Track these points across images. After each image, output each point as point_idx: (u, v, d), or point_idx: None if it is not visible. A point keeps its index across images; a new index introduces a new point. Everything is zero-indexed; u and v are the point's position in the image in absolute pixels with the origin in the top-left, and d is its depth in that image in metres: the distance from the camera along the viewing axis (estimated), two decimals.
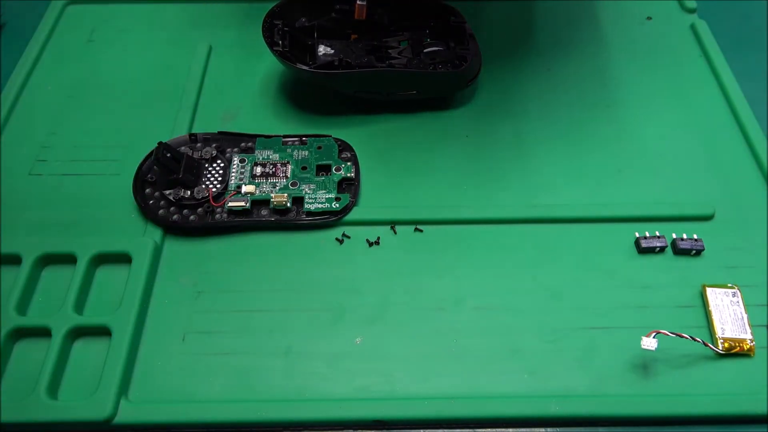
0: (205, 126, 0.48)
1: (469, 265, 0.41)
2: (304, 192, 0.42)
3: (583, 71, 0.52)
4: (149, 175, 0.43)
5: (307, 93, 0.50)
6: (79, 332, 0.37)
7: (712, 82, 0.51)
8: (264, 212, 0.42)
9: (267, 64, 0.52)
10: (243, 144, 0.45)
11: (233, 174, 0.43)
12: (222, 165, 0.44)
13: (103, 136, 0.47)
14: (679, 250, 0.41)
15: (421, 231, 0.42)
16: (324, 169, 0.44)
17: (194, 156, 0.44)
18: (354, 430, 0.35)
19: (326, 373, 0.36)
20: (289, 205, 0.42)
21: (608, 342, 0.37)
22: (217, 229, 0.42)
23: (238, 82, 0.51)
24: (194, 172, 0.43)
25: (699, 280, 0.40)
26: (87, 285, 0.39)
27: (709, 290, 0.39)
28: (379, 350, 0.37)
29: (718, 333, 0.37)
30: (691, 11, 0.57)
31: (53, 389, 0.35)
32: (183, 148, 0.44)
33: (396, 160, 0.46)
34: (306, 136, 0.46)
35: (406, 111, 0.49)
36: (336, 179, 0.43)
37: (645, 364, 0.37)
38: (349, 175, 0.43)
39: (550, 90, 0.51)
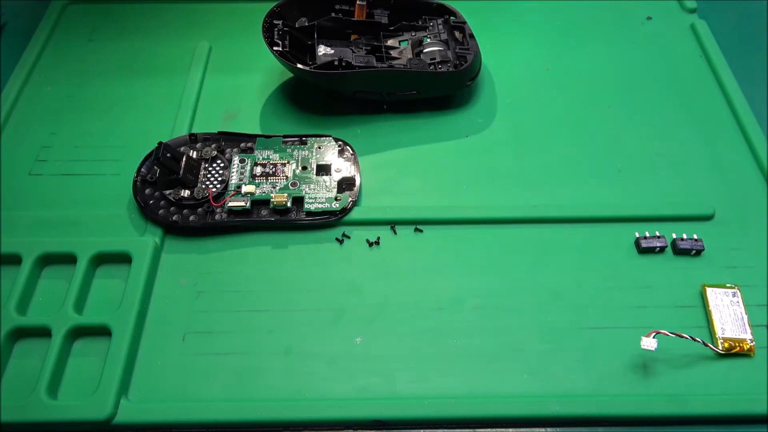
0: (205, 126, 0.48)
1: (469, 265, 0.41)
2: (304, 192, 0.42)
3: (583, 71, 0.52)
4: (149, 175, 0.43)
5: (307, 93, 0.50)
6: (79, 332, 0.37)
7: (712, 82, 0.51)
8: (264, 212, 0.42)
9: (267, 64, 0.52)
10: (243, 144, 0.45)
11: (233, 174, 0.43)
12: (222, 165, 0.44)
13: (103, 136, 0.47)
14: (679, 250, 0.41)
15: (421, 231, 0.42)
16: (324, 169, 0.44)
17: (194, 156, 0.44)
18: (354, 430, 0.35)
19: (326, 373, 0.36)
20: (289, 205, 0.42)
21: (608, 342, 0.37)
22: (217, 229, 0.42)
23: (238, 82, 0.51)
24: (194, 172, 0.43)
25: (699, 280, 0.40)
26: (87, 285, 0.39)
27: (709, 290, 0.39)
28: (379, 350, 0.37)
29: (718, 333, 0.37)
30: (691, 11, 0.57)
31: (53, 389, 0.35)
32: (183, 148, 0.44)
33: (396, 160, 0.46)
34: (306, 136, 0.46)
35: (406, 111, 0.49)
36: (336, 179, 0.43)
37: (645, 364, 0.37)
38: (349, 175, 0.43)
39: (550, 90, 0.51)
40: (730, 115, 0.49)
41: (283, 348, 0.37)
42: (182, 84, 0.50)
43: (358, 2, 0.48)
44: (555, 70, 0.52)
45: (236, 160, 0.44)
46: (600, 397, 0.35)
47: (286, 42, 0.47)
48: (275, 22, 0.48)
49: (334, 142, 0.45)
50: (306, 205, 0.42)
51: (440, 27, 0.50)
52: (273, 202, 0.42)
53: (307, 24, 0.48)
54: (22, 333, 0.37)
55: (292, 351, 0.37)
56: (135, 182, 0.43)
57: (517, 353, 0.37)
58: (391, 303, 0.39)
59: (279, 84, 0.51)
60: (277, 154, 0.44)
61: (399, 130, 0.48)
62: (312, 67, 0.45)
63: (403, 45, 0.49)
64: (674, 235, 0.42)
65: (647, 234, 0.41)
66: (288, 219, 0.42)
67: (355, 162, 0.44)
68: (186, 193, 0.42)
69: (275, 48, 0.46)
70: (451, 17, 0.50)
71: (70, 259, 0.40)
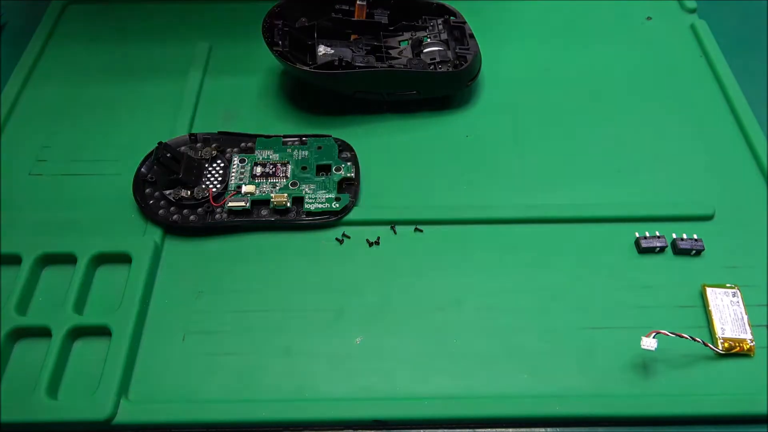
0: (205, 126, 0.48)
1: (469, 265, 0.41)
2: (304, 192, 0.42)
3: (582, 71, 0.52)
4: (149, 175, 0.43)
5: (307, 93, 0.50)
6: (79, 332, 0.37)
7: (712, 82, 0.51)
8: (264, 212, 0.42)
9: (267, 64, 0.52)
10: (243, 144, 0.45)
11: (233, 174, 0.43)
12: (222, 165, 0.44)
13: (103, 136, 0.47)
14: (679, 250, 0.41)
15: (421, 231, 0.42)
16: (324, 169, 0.44)
17: (194, 156, 0.44)
18: (354, 430, 0.35)
19: (326, 373, 0.36)
20: (289, 205, 0.42)
21: (608, 342, 0.37)
22: (217, 229, 0.42)
23: (238, 82, 0.51)
24: (194, 172, 0.43)
25: (699, 280, 0.40)
26: (87, 285, 0.39)
27: (709, 290, 0.39)
28: (379, 350, 0.37)
29: (718, 333, 0.37)
30: (691, 11, 0.57)
31: (53, 389, 0.35)
32: (183, 148, 0.44)
33: (396, 160, 0.46)
34: (306, 136, 0.46)
35: (406, 111, 0.49)
36: (336, 179, 0.43)
37: (645, 364, 0.37)
38: (349, 175, 0.43)
39: (550, 90, 0.51)
40: (730, 115, 0.49)
41: (283, 348, 0.37)
42: (182, 84, 0.50)
43: (358, 2, 0.48)
44: (555, 70, 0.52)
45: (236, 160, 0.44)
46: (600, 397, 0.35)
47: (286, 42, 0.47)
48: (275, 22, 0.48)
49: (334, 142, 0.45)
50: (306, 205, 0.42)
51: (440, 27, 0.50)
52: (273, 202, 0.42)
53: (307, 24, 0.48)
54: (22, 333, 0.37)
55: (292, 351, 0.37)
56: (135, 182, 0.43)
57: (517, 353, 0.37)
58: (391, 303, 0.39)
59: (279, 84, 0.51)
60: (277, 154, 0.44)
61: (399, 130, 0.48)
62: (312, 67, 0.45)
63: (403, 45, 0.49)
64: (674, 235, 0.41)
65: (647, 234, 0.41)
66: (288, 219, 0.42)
67: (355, 162, 0.44)
68: (186, 193, 0.42)
69: (275, 48, 0.46)
70: (451, 17, 0.50)
71: (70, 259, 0.40)
